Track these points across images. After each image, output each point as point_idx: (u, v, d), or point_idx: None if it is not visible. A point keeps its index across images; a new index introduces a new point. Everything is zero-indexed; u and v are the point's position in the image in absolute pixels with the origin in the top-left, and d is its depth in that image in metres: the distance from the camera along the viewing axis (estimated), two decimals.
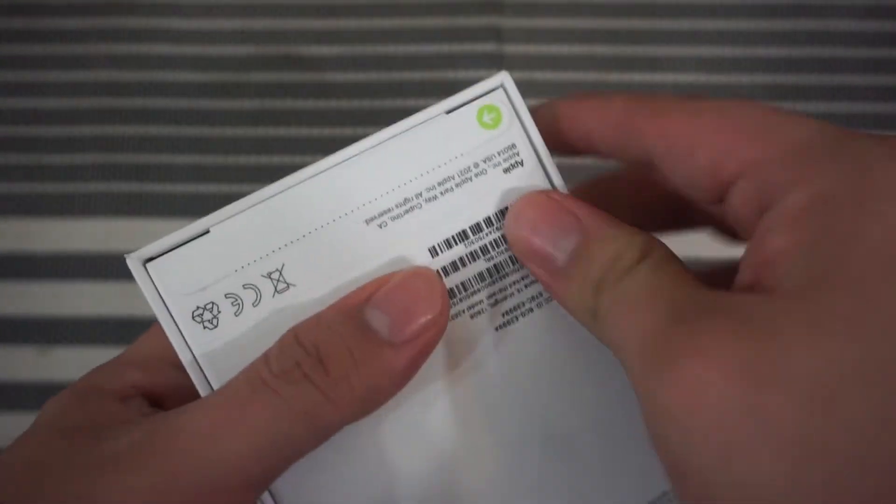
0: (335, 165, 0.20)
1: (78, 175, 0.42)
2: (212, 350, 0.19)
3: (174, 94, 0.44)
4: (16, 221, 0.41)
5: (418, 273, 0.19)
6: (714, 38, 0.45)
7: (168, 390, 0.21)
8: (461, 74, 0.44)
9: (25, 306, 0.40)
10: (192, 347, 0.19)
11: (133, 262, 0.19)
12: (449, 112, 0.20)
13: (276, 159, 0.42)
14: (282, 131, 0.43)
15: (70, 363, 0.39)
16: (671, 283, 0.16)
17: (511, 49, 0.44)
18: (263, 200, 0.19)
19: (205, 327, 0.19)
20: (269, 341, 0.19)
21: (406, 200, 0.20)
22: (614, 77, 0.44)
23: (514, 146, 0.20)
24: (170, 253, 0.19)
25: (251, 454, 0.17)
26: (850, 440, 0.13)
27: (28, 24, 0.45)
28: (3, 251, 0.41)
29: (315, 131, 0.43)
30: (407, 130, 0.20)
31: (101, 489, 0.16)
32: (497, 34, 0.45)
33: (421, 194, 0.20)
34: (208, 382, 0.19)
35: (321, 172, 0.19)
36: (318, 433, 0.18)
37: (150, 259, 0.19)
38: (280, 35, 0.45)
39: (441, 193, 0.20)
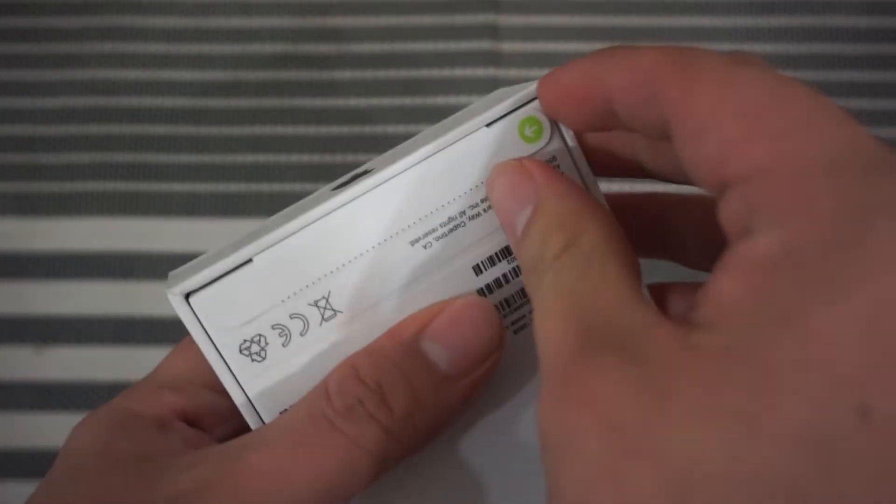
0: (377, 187, 0.19)
1: (74, 174, 0.42)
2: (261, 383, 0.19)
3: (170, 92, 0.44)
4: (12, 221, 0.41)
5: (474, 304, 0.18)
6: (711, 35, 0.45)
7: (203, 411, 0.20)
8: (458, 72, 0.44)
9: (21, 305, 0.40)
10: (241, 381, 0.19)
11: (175, 298, 0.18)
12: (489, 125, 0.19)
13: (273, 158, 0.42)
14: (279, 130, 0.43)
15: (66, 362, 0.39)
16: (589, 288, 0.14)
17: (508, 47, 0.44)
18: (306, 226, 0.19)
19: (252, 360, 0.19)
20: (318, 371, 0.18)
21: (450, 219, 0.19)
22: None
23: (554, 159, 0.19)
24: (213, 285, 0.18)
25: (317, 494, 0.17)
26: None
27: (24, 23, 0.45)
28: None
29: (312, 130, 0.43)
30: (448, 146, 0.19)
31: None
32: (494, 32, 0.45)
33: (465, 212, 0.19)
34: (258, 415, 0.19)
35: (363, 195, 0.19)
36: (381, 471, 0.18)
37: (192, 292, 0.18)
38: (276, 33, 0.45)
39: (484, 210, 0.19)
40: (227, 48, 0.45)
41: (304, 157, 0.42)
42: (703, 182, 0.15)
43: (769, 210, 0.13)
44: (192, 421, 0.20)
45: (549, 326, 0.14)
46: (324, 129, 0.43)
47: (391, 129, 0.43)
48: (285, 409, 0.19)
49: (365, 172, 0.20)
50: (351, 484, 0.17)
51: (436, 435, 0.18)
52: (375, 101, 0.43)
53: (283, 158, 0.42)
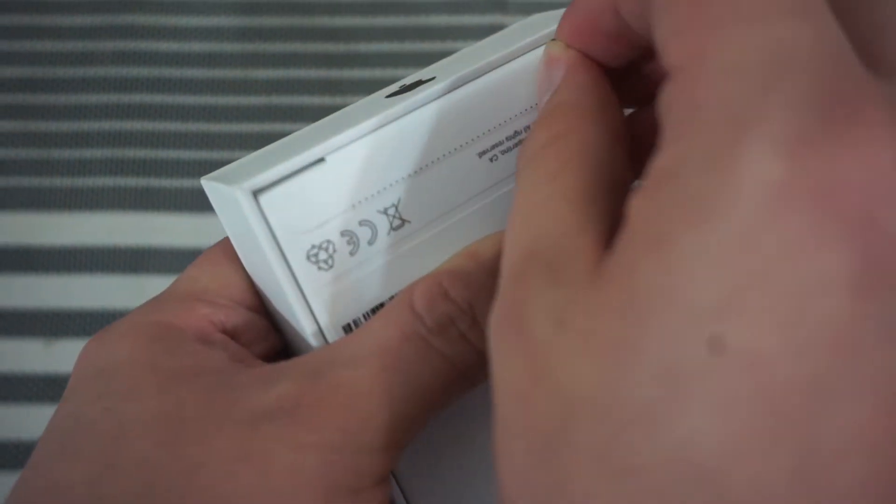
0: (446, 94, 0.18)
1: (86, 170, 0.42)
2: (325, 292, 0.17)
3: (181, 90, 0.44)
4: (24, 215, 0.42)
5: None
6: None
7: (242, 327, 0.19)
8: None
9: (33, 299, 0.40)
10: (304, 290, 0.17)
11: (243, 194, 0.16)
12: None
13: None
14: (288, 127, 0.43)
15: (76, 356, 0.40)
16: (545, 200, 0.14)
17: None
18: (380, 128, 0.17)
19: (319, 268, 0.17)
20: (386, 283, 0.18)
21: (515, 133, 0.19)
22: None
23: None
24: (283, 183, 0.17)
25: (416, 413, 0.16)
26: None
27: (37, 21, 0.46)
28: (11, 244, 0.41)
29: None
30: (516, 59, 0.18)
31: (270, 444, 0.16)
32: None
33: (529, 127, 0.19)
34: (319, 327, 0.18)
35: (433, 101, 0.18)
36: (467, 391, 0.17)
37: (261, 190, 0.16)
38: (285, 32, 0.45)
39: None
40: (237, 46, 0.45)
41: None
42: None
43: (670, 118, 0.12)
44: (230, 336, 0.19)
45: (508, 238, 0.14)
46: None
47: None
48: (348, 323, 0.18)
49: (422, 82, 0.19)
50: (445, 403, 0.17)
51: None
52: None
53: None
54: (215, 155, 0.43)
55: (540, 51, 0.18)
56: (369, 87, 0.44)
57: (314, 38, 0.45)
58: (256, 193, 0.16)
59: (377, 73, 0.44)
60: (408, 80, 0.20)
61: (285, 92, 0.44)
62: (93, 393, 0.17)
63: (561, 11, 0.19)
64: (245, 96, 0.44)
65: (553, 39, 0.17)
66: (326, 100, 0.44)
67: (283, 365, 0.17)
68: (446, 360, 0.17)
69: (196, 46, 0.45)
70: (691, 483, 0.10)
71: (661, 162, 0.12)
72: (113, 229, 0.41)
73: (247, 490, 0.15)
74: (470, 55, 0.20)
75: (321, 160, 0.17)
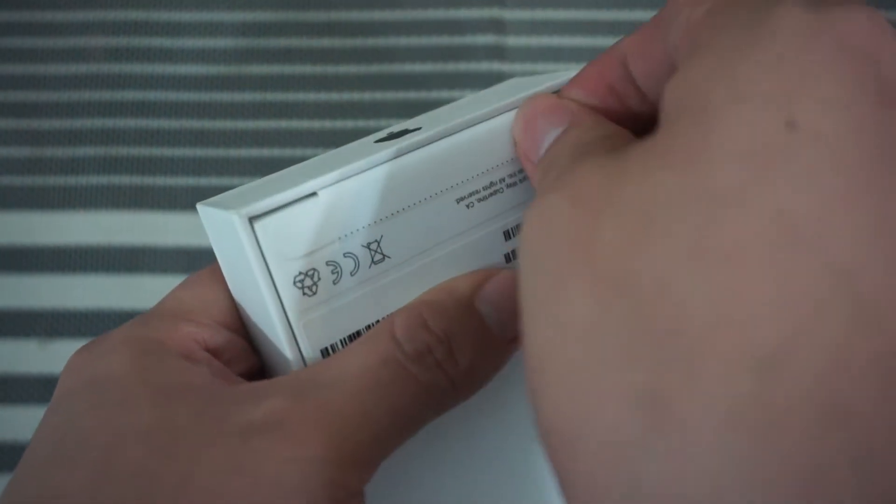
0: (433, 143, 0.20)
1: (79, 168, 0.42)
2: (307, 316, 0.19)
3: (174, 86, 0.44)
4: (16, 214, 0.41)
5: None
6: None
7: (223, 346, 0.20)
8: (462, 67, 0.44)
9: (26, 299, 0.40)
10: (289, 313, 0.19)
11: (239, 219, 0.18)
12: None
13: (277, 152, 0.42)
14: (283, 124, 0.43)
15: (71, 356, 0.39)
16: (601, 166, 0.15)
17: (513, 41, 0.44)
18: (369, 169, 0.19)
19: (304, 293, 0.19)
20: (364, 311, 0.19)
21: (491, 184, 0.20)
22: None
23: None
24: (277, 213, 0.18)
25: (386, 433, 0.17)
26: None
27: (28, 17, 0.45)
28: (3, 244, 0.41)
29: (316, 124, 0.43)
30: (497, 116, 0.20)
31: (259, 457, 0.16)
32: (499, 26, 0.45)
33: (504, 179, 0.20)
34: (299, 348, 0.19)
35: (420, 148, 0.20)
36: (437, 416, 0.19)
37: (257, 217, 0.18)
38: (280, 27, 0.45)
39: (520, 181, 0.21)
40: (230, 42, 0.45)
41: (308, 151, 0.42)
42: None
43: (693, 38, 0.14)
44: (213, 355, 0.20)
45: (542, 178, 0.16)
46: (328, 124, 0.43)
47: (395, 123, 0.43)
48: (325, 347, 0.19)
49: (408, 131, 0.21)
50: (417, 425, 0.18)
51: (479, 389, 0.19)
52: (380, 96, 0.43)
53: (287, 152, 0.42)
54: (210, 152, 0.42)
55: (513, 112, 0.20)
56: (366, 82, 0.44)
57: (309, 33, 0.45)
58: (252, 220, 0.18)
59: (374, 68, 0.44)
60: (395, 129, 0.22)
61: (280, 88, 0.43)
62: (86, 403, 0.18)
63: (537, 77, 0.22)
64: (240, 92, 0.43)
65: (554, 93, 0.19)
66: (322, 96, 0.43)
67: (268, 383, 0.18)
68: (421, 386, 0.18)
69: (189, 42, 0.45)
70: (790, 248, 0.11)
71: (691, 52, 0.14)
72: (107, 228, 0.41)
73: (237, 500, 0.16)
74: (453, 110, 0.22)
75: (314, 194, 0.18)
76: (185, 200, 0.41)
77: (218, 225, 0.19)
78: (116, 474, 0.16)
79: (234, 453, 0.16)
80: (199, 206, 0.20)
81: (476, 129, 0.20)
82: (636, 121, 0.18)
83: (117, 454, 0.16)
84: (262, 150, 0.42)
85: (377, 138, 0.21)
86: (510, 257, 0.21)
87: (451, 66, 0.44)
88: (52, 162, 0.42)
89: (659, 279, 0.12)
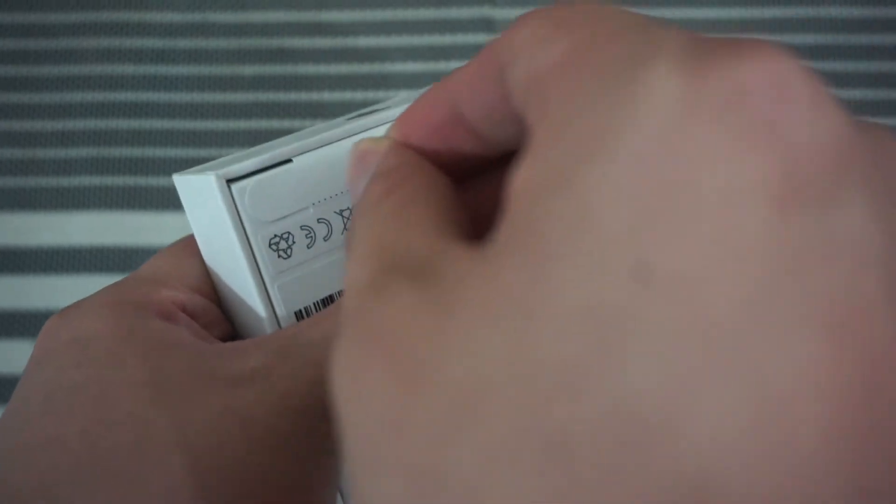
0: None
1: (71, 169, 0.42)
2: (282, 278, 0.19)
3: (167, 87, 0.44)
4: (9, 216, 0.41)
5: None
6: (707, 27, 0.45)
7: (199, 310, 0.20)
8: (453, 66, 0.44)
9: (19, 300, 0.40)
10: (264, 274, 0.19)
11: (217, 181, 0.18)
12: None
13: None
14: (275, 124, 0.43)
15: None
16: (396, 227, 0.13)
17: None
18: (342, 139, 0.20)
19: (279, 256, 0.19)
20: (337, 276, 0.20)
21: None
22: None
23: None
24: (254, 176, 0.19)
25: None
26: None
27: (20, 19, 0.45)
28: None
29: (308, 123, 0.43)
30: None
31: (250, 405, 0.17)
32: (488, 25, 0.45)
33: None
34: (273, 310, 0.19)
35: (388, 122, 0.20)
36: None
37: (234, 179, 0.19)
38: (272, 28, 0.45)
39: None
40: (223, 42, 0.45)
41: None
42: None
43: (539, 105, 0.11)
44: (190, 317, 0.20)
45: (351, 267, 0.13)
46: (319, 123, 0.43)
47: None
48: (299, 309, 0.20)
49: (377, 110, 0.21)
50: None
51: None
52: (371, 95, 0.43)
53: None
54: (202, 152, 0.42)
55: None
56: (358, 82, 0.44)
57: (301, 33, 0.45)
58: (229, 182, 0.18)
59: (365, 67, 0.44)
60: (365, 111, 0.23)
61: (272, 88, 0.44)
62: (71, 360, 0.17)
63: None
64: (232, 93, 0.44)
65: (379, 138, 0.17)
66: (314, 95, 0.44)
67: (251, 341, 0.19)
68: None
69: (181, 43, 0.45)
70: (636, 447, 0.09)
71: (539, 131, 0.11)
72: (99, 229, 0.41)
73: (232, 444, 0.16)
74: (422, 90, 0.23)
75: (289, 160, 0.19)
76: (178, 201, 0.41)
77: (195, 192, 0.20)
78: (113, 422, 0.16)
79: (227, 399, 0.17)
80: (175, 177, 0.21)
81: None
82: (468, 161, 0.15)
83: (111, 404, 0.17)
84: None
85: (351, 116, 0.22)
86: None
87: (442, 66, 0.44)
88: (45, 163, 0.42)
89: (468, 485, 0.09)
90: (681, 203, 0.09)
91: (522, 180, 0.11)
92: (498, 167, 0.15)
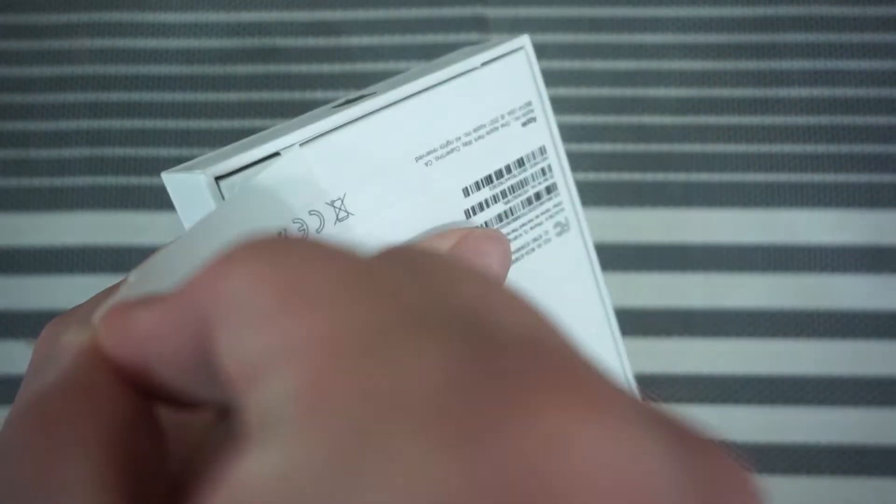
0: (389, 106, 0.21)
1: (65, 169, 0.42)
2: None
3: (160, 87, 0.44)
4: (3, 216, 0.41)
5: (492, 234, 0.21)
6: (698, 25, 0.45)
7: None
8: None
9: (14, 300, 0.40)
10: None
11: (206, 179, 0.18)
12: (484, 65, 0.22)
13: None
14: (268, 123, 0.43)
15: None
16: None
17: (495, 39, 0.45)
18: (330, 131, 0.20)
19: None
20: None
21: (448, 143, 0.21)
22: (598, 65, 0.44)
23: (529, 103, 0.23)
24: (242, 172, 0.18)
25: None
26: None
27: (12, 20, 0.45)
28: None
29: None
30: (451, 79, 0.21)
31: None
32: (481, 24, 0.45)
33: (460, 138, 0.22)
34: None
35: (378, 111, 0.20)
36: None
37: (222, 176, 0.18)
38: (265, 27, 0.45)
39: (475, 139, 0.22)
40: (215, 42, 0.45)
41: None
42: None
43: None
44: None
45: None
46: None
47: None
48: None
49: (364, 97, 0.21)
50: None
51: None
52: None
53: None
54: (195, 152, 0.42)
55: (473, 75, 0.22)
56: (352, 81, 0.44)
57: (294, 32, 0.45)
58: (218, 179, 0.18)
59: (358, 66, 0.44)
60: (352, 96, 0.22)
61: (265, 88, 0.44)
62: None
63: (485, 45, 0.22)
64: (225, 92, 0.44)
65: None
66: (307, 95, 0.44)
67: None
68: None
69: (174, 43, 0.45)
70: None
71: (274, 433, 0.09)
72: (93, 229, 0.41)
73: None
74: (408, 76, 0.23)
75: (276, 154, 0.19)
76: (171, 201, 0.42)
77: (185, 190, 0.20)
78: None
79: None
80: (164, 175, 0.20)
81: (430, 92, 0.21)
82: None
83: None
84: None
85: (336, 104, 0.22)
86: (470, 213, 0.22)
87: None
88: (38, 163, 0.42)
89: None
90: None
91: (249, 476, 0.09)
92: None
